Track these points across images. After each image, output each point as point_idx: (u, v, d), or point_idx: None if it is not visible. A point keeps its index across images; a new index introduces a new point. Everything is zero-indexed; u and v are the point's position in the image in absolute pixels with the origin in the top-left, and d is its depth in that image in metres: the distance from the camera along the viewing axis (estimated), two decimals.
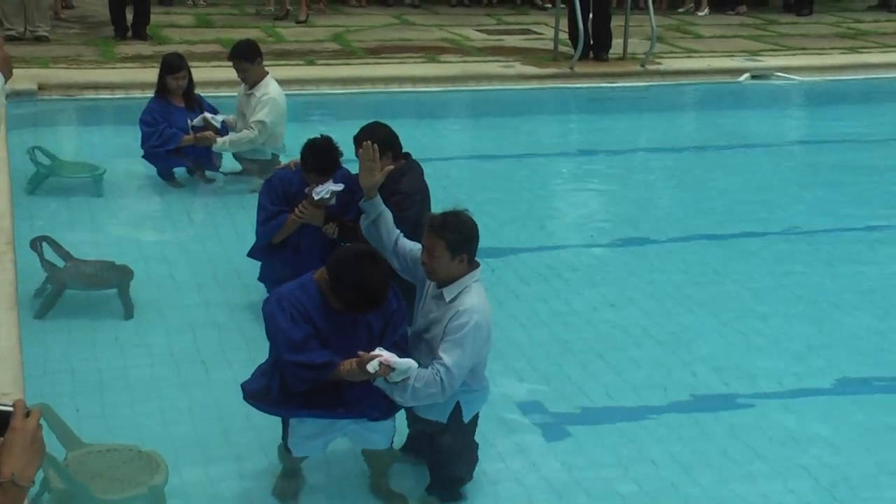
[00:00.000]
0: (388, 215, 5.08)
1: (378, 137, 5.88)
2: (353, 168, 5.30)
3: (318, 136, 6.15)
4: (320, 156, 6.07)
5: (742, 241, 8.20)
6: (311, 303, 4.43)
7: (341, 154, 6.13)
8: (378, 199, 5.08)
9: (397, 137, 6.04)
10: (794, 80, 13.48)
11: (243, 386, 4.73)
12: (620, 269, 7.62)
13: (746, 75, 13.43)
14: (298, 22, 15.36)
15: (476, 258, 4.70)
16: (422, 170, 6.16)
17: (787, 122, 12.75)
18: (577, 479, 5.07)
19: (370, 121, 6.14)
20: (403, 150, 6.09)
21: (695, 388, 5.95)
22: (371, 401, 4.50)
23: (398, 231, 5.06)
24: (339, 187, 6.04)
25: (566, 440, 5.40)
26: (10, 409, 2.56)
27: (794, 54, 14.54)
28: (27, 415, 2.58)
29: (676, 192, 9.50)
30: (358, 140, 5.84)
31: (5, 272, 5.96)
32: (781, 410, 5.75)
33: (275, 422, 4.84)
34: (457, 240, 4.57)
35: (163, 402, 5.56)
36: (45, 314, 6.36)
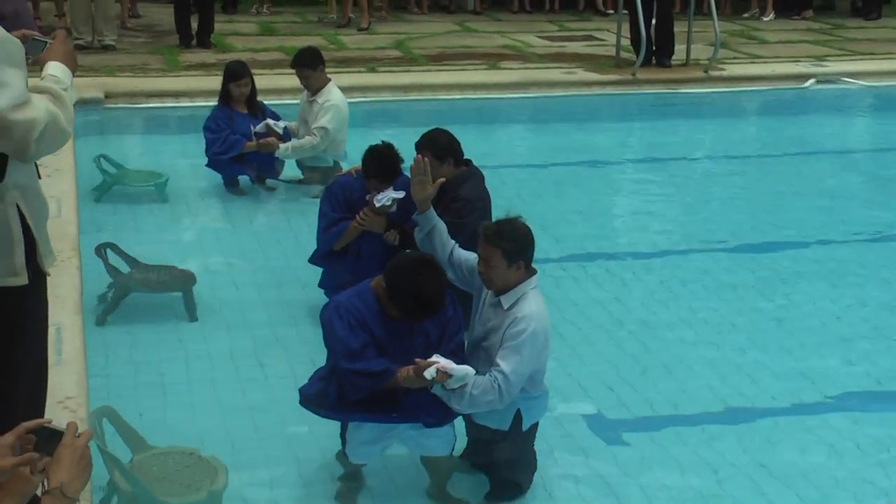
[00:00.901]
0: (443, 227, 5.08)
1: (439, 144, 5.92)
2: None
3: (380, 142, 6.17)
4: (381, 162, 6.09)
5: (807, 250, 8.07)
6: (368, 310, 4.44)
7: (402, 161, 6.14)
8: (431, 212, 5.09)
9: (458, 143, 6.04)
10: (861, 84, 13.26)
11: (301, 390, 4.77)
12: (683, 277, 7.53)
13: (812, 81, 13.23)
14: (360, 29, 15.45)
15: (533, 265, 4.68)
16: (483, 176, 6.15)
17: (854, 128, 12.55)
18: (638, 487, 5.03)
19: (431, 128, 6.15)
20: (465, 157, 6.08)
21: (752, 396, 5.87)
22: (428, 408, 4.50)
23: (453, 242, 5.06)
24: (401, 194, 6.05)
25: (626, 448, 5.35)
26: (63, 429, 2.82)
27: (861, 59, 14.30)
28: (78, 435, 2.83)
29: (741, 200, 9.38)
30: (419, 147, 5.86)
31: (71, 278, 6.06)
32: (848, 419, 5.66)
33: (334, 427, 4.86)
34: (512, 248, 4.57)
35: (223, 405, 5.61)
36: (106, 318, 6.46)
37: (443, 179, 5.42)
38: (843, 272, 7.70)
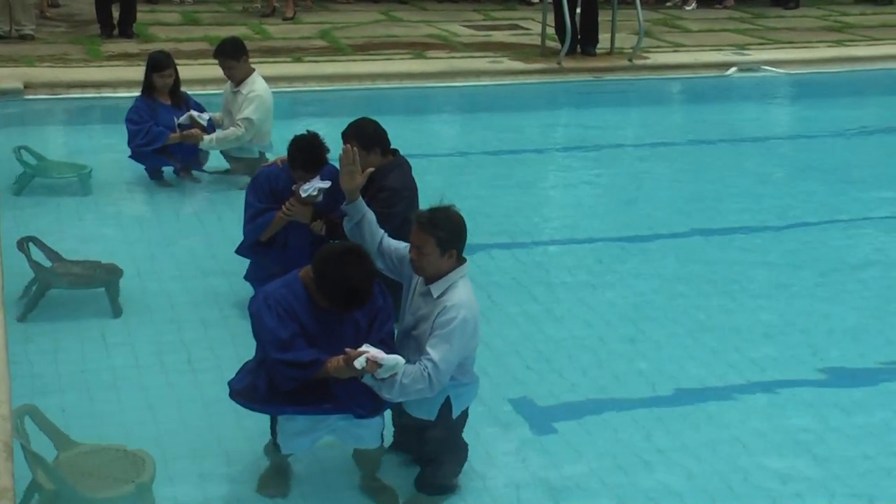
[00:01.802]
0: (372, 216, 5.07)
1: (366, 133, 5.90)
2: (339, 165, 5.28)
3: (305, 132, 6.13)
4: (307, 153, 6.05)
5: (729, 235, 8.20)
6: (297, 301, 4.42)
7: (328, 151, 6.11)
8: (361, 202, 5.06)
9: (385, 133, 6.02)
10: (781, 73, 13.50)
11: (230, 384, 4.73)
12: (607, 263, 7.61)
13: (734, 69, 13.44)
14: (285, 19, 15.33)
15: (463, 254, 4.70)
16: (410, 166, 6.15)
17: (775, 115, 12.77)
18: (566, 474, 5.07)
19: (358, 117, 6.13)
20: (392, 147, 6.07)
21: (681, 381, 5.96)
22: (359, 399, 4.50)
23: (382, 231, 5.04)
24: (327, 184, 6.03)
25: (555, 435, 5.40)
26: None
27: (781, 48, 14.56)
28: None
29: (664, 187, 9.50)
30: (346, 136, 5.83)
31: None
32: (770, 402, 5.78)
33: (262, 419, 4.83)
34: (446, 236, 4.57)
35: (150, 400, 5.55)
36: (27, 314, 6.34)
37: (371, 169, 5.40)
38: (765, 253, 7.84)
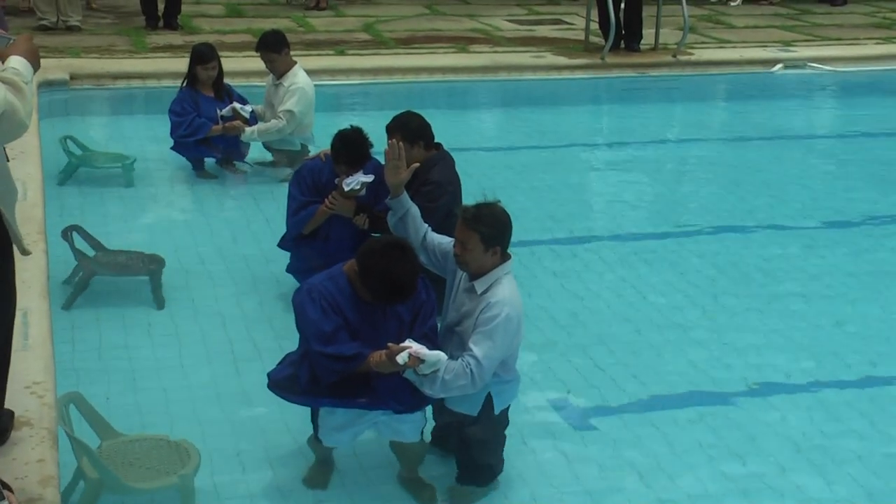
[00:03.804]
0: (416, 211, 5.05)
1: (410, 127, 5.90)
2: (384, 159, 5.28)
3: (349, 126, 6.13)
4: (351, 147, 6.05)
5: (774, 233, 8.12)
6: (340, 294, 4.42)
7: (372, 145, 6.11)
8: (405, 197, 5.05)
9: (429, 127, 6.02)
10: (827, 70, 13.34)
11: (269, 375, 4.75)
12: (652, 260, 7.56)
13: (779, 66, 13.30)
14: (319, 8, 15.36)
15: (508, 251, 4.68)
16: (453, 160, 6.14)
17: (821, 113, 12.62)
18: (606, 473, 5.05)
19: (400, 111, 6.12)
20: (435, 141, 6.06)
21: (722, 380, 5.91)
22: (400, 394, 4.49)
23: (426, 226, 5.03)
24: (370, 178, 6.02)
25: (597, 433, 5.37)
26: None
27: (828, 44, 14.38)
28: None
29: (708, 184, 9.42)
30: (390, 130, 5.83)
31: (37, 261, 5.99)
32: (809, 404, 5.71)
33: (304, 412, 4.85)
34: (490, 232, 4.55)
35: (192, 391, 5.58)
36: (72, 303, 6.39)
37: (417, 164, 5.39)
38: (812, 252, 7.76)
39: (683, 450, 5.24)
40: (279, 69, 8.46)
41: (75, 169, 8.50)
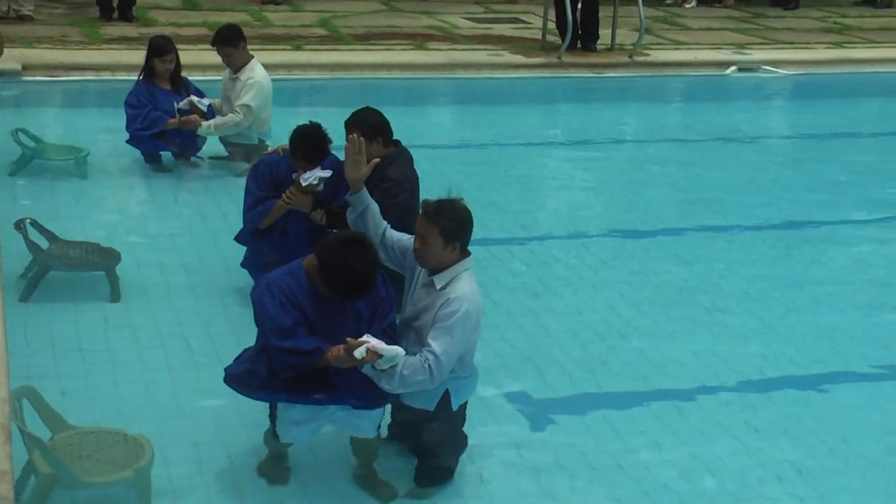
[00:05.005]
0: (375, 207, 5.06)
1: (369, 124, 5.89)
2: (342, 154, 5.28)
3: (308, 122, 6.12)
4: (309, 142, 6.04)
5: (724, 233, 8.22)
6: (299, 289, 4.42)
7: (330, 141, 6.10)
8: (365, 193, 5.05)
9: (388, 124, 6.02)
10: (780, 73, 13.52)
11: (226, 369, 4.74)
12: (604, 258, 7.63)
13: (733, 68, 13.46)
14: (276, 3, 15.30)
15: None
16: (411, 157, 6.15)
17: (773, 115, 12.80)
18: (565, 468, 5.08)
19: (357, 107, 6.11)
20: (394, 138, 6.07)
21: (679, 378, 5.97)
22: (358, 390, 4.49)
23: (385, 222, 5.04)
24: (328, 174, 6.02)
25: (553, 429, 5.41)
26: None
27: (780, 48, 14.57)
28: None
29: (661, 184, 9.51)
30: (349, 126, 5.83)
31: None
32: (764, 400, 5.79)
33: (260, 407, 4.83)
34: (451, 227, 4.57)
35: (148, 385, 5.54)
36: (29, 296, 6.33)
37: (377, 160, 5.39)
38: (759, 253, 7.86)
39: (637, 445, 5.29)
40: (236, 63, 8.41)
41: (28, 161, 8.40)
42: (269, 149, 7.41)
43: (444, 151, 9.87)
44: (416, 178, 6.14)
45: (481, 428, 5.26)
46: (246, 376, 4.63)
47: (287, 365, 4.42)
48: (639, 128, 11.81)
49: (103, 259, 6.57)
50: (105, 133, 9.36)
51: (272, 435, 4.73)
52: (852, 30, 16.15)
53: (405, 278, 4.86)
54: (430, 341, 4.48)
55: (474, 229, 4.76)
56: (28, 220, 6.56)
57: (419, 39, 13.70)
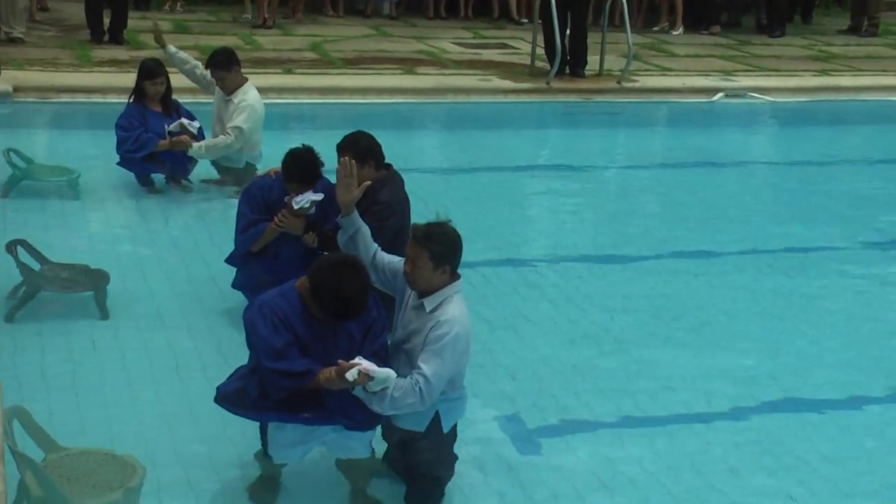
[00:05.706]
0: (366, 230, 5.09)
1: (360, 146, 5.93)
2: (334, 178, 5.31)
3: (300, 145, 6.17)
4: (302, 166, 6.09)
5: (711, 259, 8.26)
6: (292, 311, 4.45)
7: (322, 165, 6.15)
8: (356, 215, 5.09)
9: (380, 147, 6.06)
10: (767, 100, 13.64)
11: (218, 388, 4.75)
12: (592, 283, 7.67)
13: (721, 94, 13.58)
14: (266, 27, 15.37)
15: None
16: (403, 181, 6.18)
17: (760, 141, 12.89)
18: (555, 492, 5.10)
19: (347, 131, 6.14)
20: (385, 161, 6.11)
21: (666, 402, 6.00)
22: (350, 411, 4.52)
23: (376, 245, 5.08)
24: (319, 197, 6.06)
25: (543, 452, 5.43)
26: None
27: (767, 75, 14.71)
28: None
29: (649, 209, 9.58)
30: (341, 149, 5.87)
31: None
32: (753, 424, 5.83)
33: (251, 427, 4.85)
34: (441, 251, 4.61)
35: (137, 405, 5.55)
36: (14, 316, 6.33)
37: (368, 182, 5.43)
38: (745, 278, 7.90)
39: (627, 468, 5.31)
40: (229, 86, 8.46)
41: (19, 182, 8.42)
42: (258, 172, 7.45)
43: (433, 175, 9.91)
44: (408, 202, 6.18)
45: (470, 450, 5.27)
46: (237, 396, 4.65)
47: (279, 386, 4.44)
48: (627, 153, 11.89)
49: (92, 280, 6.59)
50: (96, 155, 9.37)
51: (264, 455, 4.75)
52: (838, 58, 16.31)
53: (396, 301, 4.89)
54: (421, 364, 4.51)
55: (464, 252, 4.80)
56: (19, 243, 6.57)
57: (409, 64, 13.78)
